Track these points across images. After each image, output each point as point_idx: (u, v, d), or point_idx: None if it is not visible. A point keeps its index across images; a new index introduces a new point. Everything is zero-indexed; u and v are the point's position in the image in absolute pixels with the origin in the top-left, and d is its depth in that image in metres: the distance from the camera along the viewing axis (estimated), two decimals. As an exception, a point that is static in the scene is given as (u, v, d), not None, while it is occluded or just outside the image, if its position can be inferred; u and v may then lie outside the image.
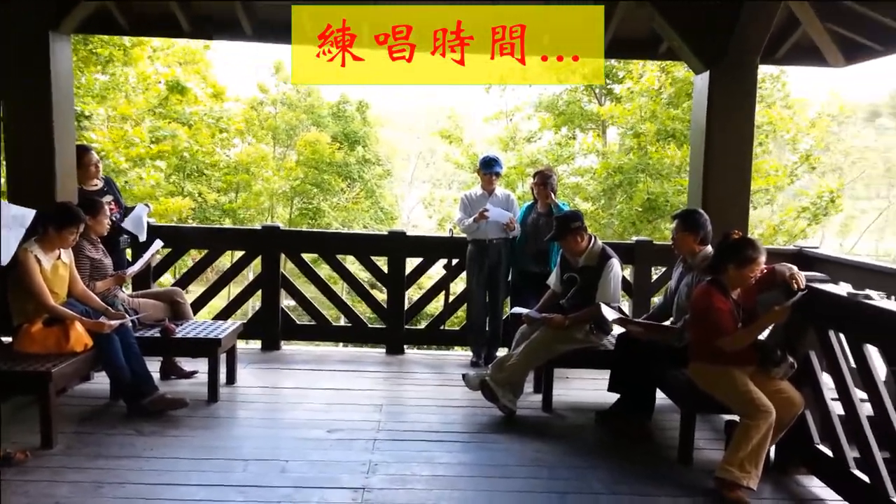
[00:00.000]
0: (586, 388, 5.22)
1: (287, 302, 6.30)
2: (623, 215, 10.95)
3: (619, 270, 4.56)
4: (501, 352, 5.88)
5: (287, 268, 6.26)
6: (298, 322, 6.28)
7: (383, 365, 5.73)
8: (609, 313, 4.33)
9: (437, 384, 5.27)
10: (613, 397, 4.57)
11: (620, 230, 10.88)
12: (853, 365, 3.39)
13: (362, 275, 8.65)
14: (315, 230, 16.06)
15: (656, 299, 7.38)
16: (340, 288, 13.04)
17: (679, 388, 4.02)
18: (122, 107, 13.07)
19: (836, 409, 3.48)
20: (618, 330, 4.54)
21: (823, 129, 12.27)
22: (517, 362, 4.49)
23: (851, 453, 3.36)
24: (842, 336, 3.50)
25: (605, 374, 4.69)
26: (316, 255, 6.97)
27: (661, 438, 4.33)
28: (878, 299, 3.17)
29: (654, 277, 6.06)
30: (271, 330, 5.96)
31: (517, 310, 4.83)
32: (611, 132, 13.83)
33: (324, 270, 7.39)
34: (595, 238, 4.66)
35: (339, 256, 6.20)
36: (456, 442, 4.13)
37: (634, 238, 5.99)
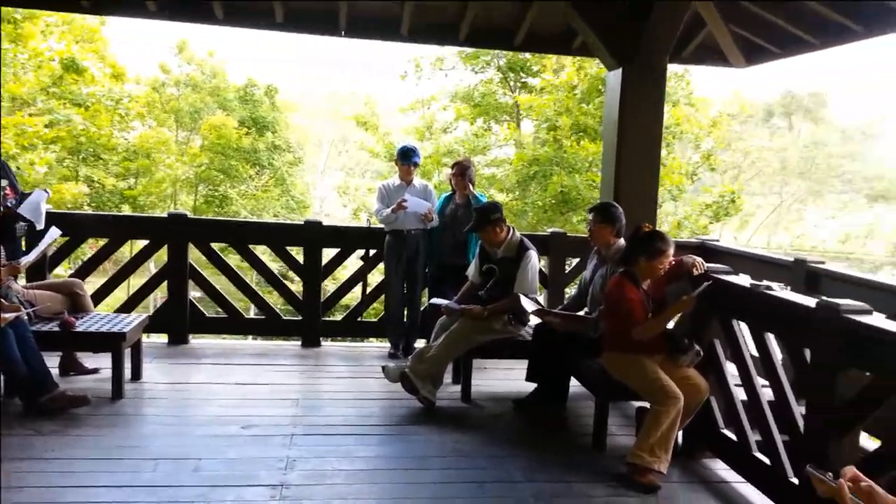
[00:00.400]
0: (504, 377, 5.29)
1: (195, 293, 6.03)
2: (537, 206, 11.18)
3: (536, 262, 4.64)
4: (420, 343, 5.89)
5: (194, 257, 6.00)
6: (208, 314, 6.05)
7: (299, 358, 5.61)
8: (527, 304, 4.40)
9: (354, 377, 5.20)
10: (530, 386, 4.66)
11: (534, 221, 11.11)
12: (754, 353, 3.60)
13: (276, 265, 8.41)
14: (226, 219, 15.50)
15: (570, 290, 7.60)
16: (253, 279, 12.69)
17: (593, 377, 4.13)
18: (11, 86, 12.13)
19: (739, 394, 3.68)
20: (535, 320, 4.62)
21: (724, 128, 12.98)
22: (437, 354, 4.49)
23: (753, 437, 3.57)
24: (743, 325, 3.71)
25: (522, 364, 4.77)
26: (226, 245, 6.72)
27: (576, 426, 4.45)
28: (778, 290, 3.36)
29: (568, 269, 6.20)
30: (179, 323, 5.71)
31: (436, 301, 4.84)
32: (525, 125, 14.07)
33: (234, 260, 7.12)
34: (513, 229, 4.71)
35: (251, 246, 5.99)
36: (375, 435, 4.09)
37: (549, 230, 6.12)
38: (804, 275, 4.93)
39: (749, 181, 22.19)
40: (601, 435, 4.08)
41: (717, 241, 6.24)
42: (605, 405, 4.09)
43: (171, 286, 5.75)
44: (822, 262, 5.02)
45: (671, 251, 3.75)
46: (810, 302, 3.03)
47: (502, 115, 13.94)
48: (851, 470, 2.07)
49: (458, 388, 4.90)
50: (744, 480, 3.64)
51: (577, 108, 11.38)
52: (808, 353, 3.20)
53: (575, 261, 6.17)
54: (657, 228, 4.00)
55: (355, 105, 21.97)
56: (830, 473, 2.10)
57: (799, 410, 3.24)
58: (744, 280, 3.67)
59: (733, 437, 3.73)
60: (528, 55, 12.99)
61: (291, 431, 4.04)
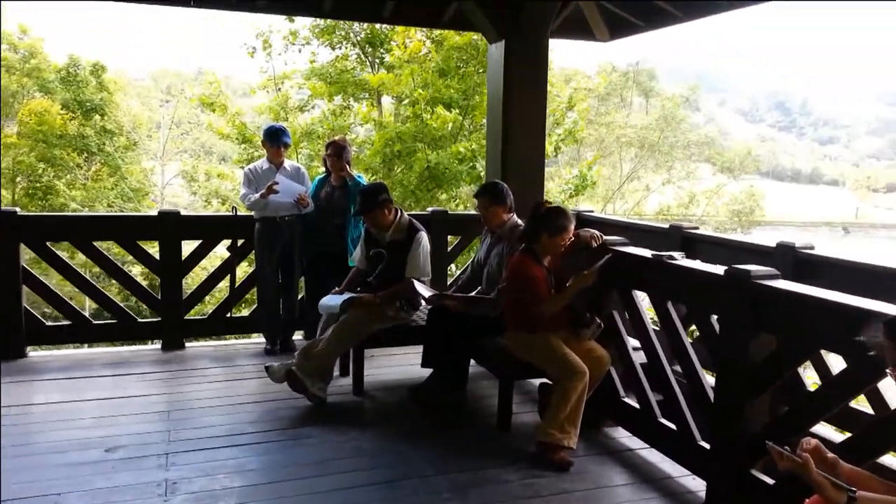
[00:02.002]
0: (395, 364, 5.04)
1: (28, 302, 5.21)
2: (404, 185, 10.92)
3: (427, 243, 4.41)
4: (298, 336, 5.50)
5: (27, 259, 5.19)
6: (48, 323, 5.26)
7: (161, 364, 5.00)
8: (422, 289, 4.17)
9: (229, 379, 4.72)
10: (424, 373, 4.44)
11: (401, 201, 10.85)
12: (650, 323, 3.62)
13: (130, 266, 7.55)
14: (65, 214, 13.82)
15: (453, 269, 7.47)
16: (99, 280, 11.45)
17: (496, 357, 4.00)
18: None
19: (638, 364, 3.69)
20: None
21: (584, 101, 13.35)
22: (326, 347, 4.15)
23: (656, 404, 3.59)
24: (641, 294, 3.71)
25: (412, 350, 4.55)
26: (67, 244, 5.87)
27: (478, 408, 4.31)
28: (680, 259, 3.37)
29: (450, 247, 6.05)
30: (13, 336, 4.90)
31: (325, 303, 4.40)
32: (385, 101, 13.69)
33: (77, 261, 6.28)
34: (401, 211, 4.44)
35: (97, 244, 5.26)
36: (264, 443, 3.70)
37: (429, 209, 5.91)
38: (680, 240, 5.09)
39: (608, 154, 23.37)
40: (506, 415, 3.96)
41: (592, 211, 6.34)
42: (509, 385, 3.97)
43: (-1, 295, 4.92)
44: (696, 228, 5.22)
45: (572, 227, 3.67)
46: (717, 269, 3.04)
47: (361, 93, 13.49)
48: (811, 442, 2.04)
49: (348, 380, 4.59)
50: (648, 447, 3.67)
51: (435, 82, 11.20)
52: (714, 319, 3.25)
53: (457, 239, 6.02)
54: (558, 205, 3.90)
55: (197, 85, 20.42)
56: (788, 447, 2.07)
57: (705, 376, 3.29)
58: (644, 251, 3.66)
59: (635, 404, 3.74)
60: (386, 29, 12.62)
61: (166, 450, 3.56)
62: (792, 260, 4.16)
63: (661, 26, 5.70)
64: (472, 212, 10.06)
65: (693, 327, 4.34)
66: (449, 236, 5.90)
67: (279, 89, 13.93)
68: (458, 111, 11.08)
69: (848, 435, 2.86)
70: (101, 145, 20.01)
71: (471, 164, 10.83)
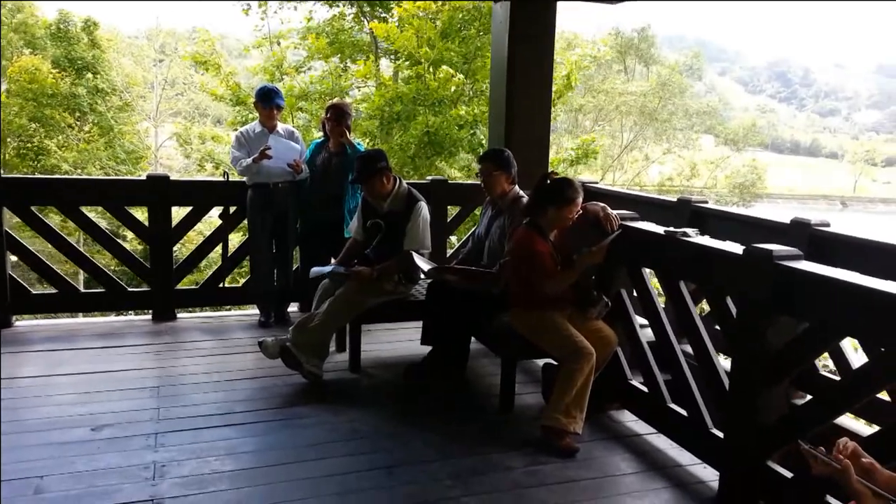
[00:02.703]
0: (393, 340, 4.88)
1: (13, 267, 5.02)
2: (403, 150, 10.63)
3: (427, 214, 4.21)
4: (293, 308, 5.33)
5: (12, 224, 4.98)
6: (34, 291, 5.08)
7: (151, 336, 4.84)
8: (421, 262, 3.98)
9: (222, 353, 4.56)
10: (423, 349, 4.29)
11: (399, 168, 10.58)
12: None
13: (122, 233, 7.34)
14: (49, 177, 13.48)
15: (453, 238, 7.28)
16: (88, 248, 11.23)
17: (498, 336, 3.84)
18: None
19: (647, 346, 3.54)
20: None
21: (589, 69, 12.90)
22: (321, 322, 3.98)
23: (665, 389, 3.44)
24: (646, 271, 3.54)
25: (410, 325, 4.40)
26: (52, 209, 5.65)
27: (480, 388, 4.17)
28: (694, 236, 3.19)
29: (449, 218, 5.86)
30: (-4, 304, 4.73)
31: (316, 270, 4.25)
32: (384, 65, 13.26)
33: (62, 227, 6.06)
34: (400, 179, 4.24)
35: (84, 209, 5.05)
36: (257, 423, 3.55)
37: (428, 177, 5.70)
38: (689, 214, 4.90)
39: (603, 122, 23.03)
40: (509, 397, 3.82)
41: (597, 182, 6.13)
42: (512, 365, 3.82)
43: (-19, 260, 4.72)
44: (706, 202, 5.02)
45: (580, 199, 3.48)
46: (736, 248, 2.86)
47: (358, 54, 13.07)
48: (849, 445, 1.88)
49: (344, 356, 4.45)
50: (656, 432, 3.53)
51: (439, 43, 10.82)
52: (730, 301, 3.08)
53: (457, 209, 5.83)
54: (566, 176, 3.70)
55: (190, 42, 19.88)
56: (822, 448, 1.92)
57: (719, 360, 3.14)
58: (655, 227, 3.47)
59: (643, 388, 3.60)
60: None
61: (154, 429, 3.41)
62: (807, 237, 3.98)
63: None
64: (473, 181, 9.88)
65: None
66: (448, 206, 5.71)
67: (279, 44, 13.43)
68: (461, 76, 10.71)
69: (876, 428, 2.72)
70: (94, 105, 19.58)
71: (471, 130, 10.53)
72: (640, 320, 3.69)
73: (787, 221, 4.22)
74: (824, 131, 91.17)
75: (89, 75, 19.60)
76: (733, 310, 3.03)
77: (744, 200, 25.11)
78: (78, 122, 20.20)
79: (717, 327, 3.75)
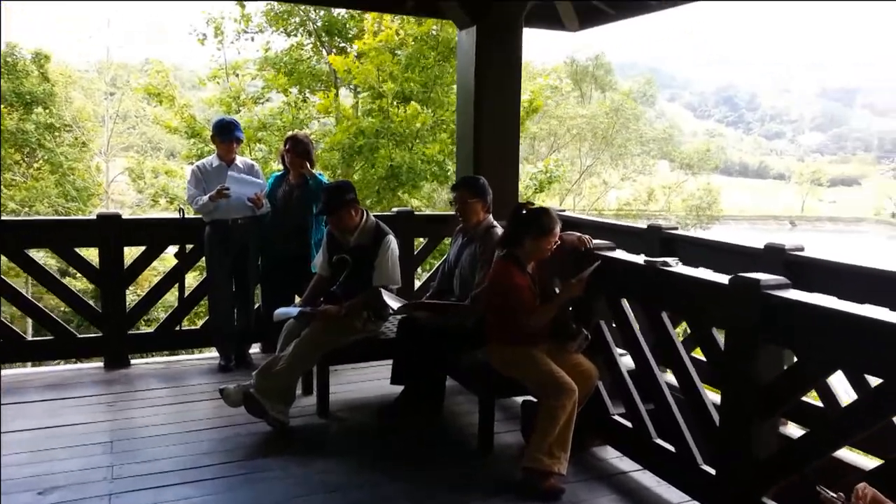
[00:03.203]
0: (360, 380, 4.67)
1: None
2: (365, 184, 10.44)
3: (396, 247, 4.04)
4: (255, 349, 5.08)
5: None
6: (-27, 341, 4.73)
7: (104, 385, 4.53)
8: (390, 299, 3.79)
9: (180, 401, 4.28)
10: (393, 389, 4.10)
11: (360, 199, 10.39)
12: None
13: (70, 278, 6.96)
14: None
15: (420, 274, 7.11)
16: (30, 290, 10.72)
17: (474, 373, 3.67)
18: None
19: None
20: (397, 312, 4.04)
21: (551, 99, 12.95)
22: (287, 365, 3.76)
23: (650, 423, 3.31)
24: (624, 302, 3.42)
25: (381, 364, 4.20)
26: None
27: (456, 428, 3.98)
28: (675, 265, 3.09)
29: (417, 250, 5.70)
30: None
31: (281, 312, 4.03)
32: (343, 95, 13.11)
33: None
34: (367, 212, 4.08)
35: (29, 252, 4.74)
36: (220, 478, 3.29)
37: (395, 209, 5.54)
38: (659, 242, 4.84)
39: (556, 149, 23.21)
40: (488, 437, 3.64)
41: (564, 211, 6.06)
42: (490, 404, 3.65)
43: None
44: (676, 228, 4.98)
45: (558, 229, 3.36)
46: (722, 278, 2.76)
47: (317, 84, 12.89)
48: (869, 492, 1.77)
49: (311, 400, 4.22)
50: (642, 469, 3.39)
51: (401, 75, 10.72)
52: (714, 332, 2.98)
53: (423, 241, 5.68)
54: (542, 206, 3.58)
55: (142, 75, 19.45)
56: (842, 494, 1.79)
57: (707, 394, 3.02)
58: (634, 257, 3.37)
59: (627, 423, 3.46)
60: (345, 15, 12.02)
61: (108, 489, 3.14)
62: (782, 262, 3.94)
63: (631, 15, 5.43)
64: (439, 211, 9.74)
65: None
66: (416, 239, 5.55)
67: (236, 75, 13.19)
68: (421, 106, 10.62)
69: (879, 462, 2.62)
70: (43, 141, 18.98)
71: (435, 165, 10.40)
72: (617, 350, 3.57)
73: (761, 247, 4.19)
74: (771, 154, 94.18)
75: (39, 110, 19.01)
76: (719, 340, 2.92)
77: (701, 223, 25.56)
78: (27, 159, 19.56)
79: (692, 356, 3.65)
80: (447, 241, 6.34)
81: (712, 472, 2.88)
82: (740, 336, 2.67)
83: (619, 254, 3.45)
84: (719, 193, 27.99)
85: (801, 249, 4.03)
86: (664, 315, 3.15)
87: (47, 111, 19.25)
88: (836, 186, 71.83)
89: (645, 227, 5.08)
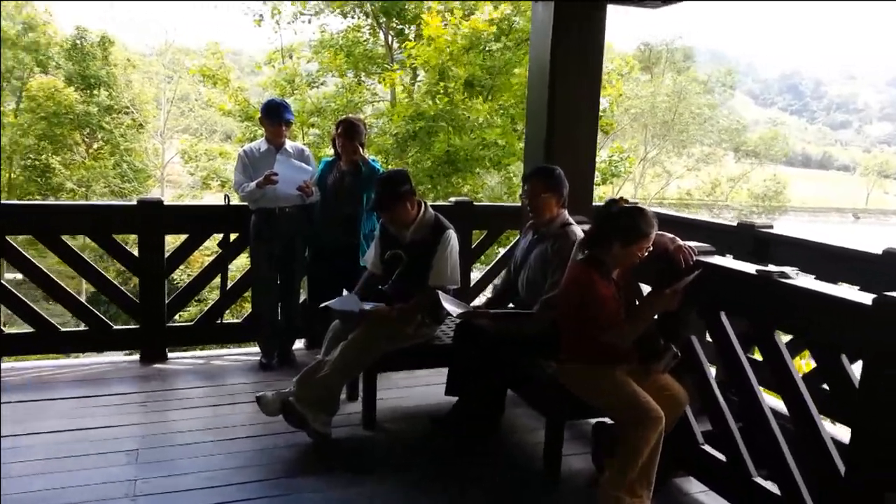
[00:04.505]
0: (412, 384, 4.26)
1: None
2: (420, 170, 10.02)
3: (456, 244, 3.60)
4: (299, 345, 4.74)
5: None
6: (7, 330, 4.51)
7: (138, 381, 4.24)
8: (448, 304, 3.36)
9: (215, 403, 3.95)
10: (449, 398, 3.67)
11: (414, 185, 10.00)
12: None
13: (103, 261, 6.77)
14: (27, 202, 12.97)
15: (475, 270, 6.68)
16: (74, 282, 10.70)
17: (542, 391, 3.22)
18: None
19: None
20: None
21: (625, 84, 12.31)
22: (330, 373, 3.38)
23: (749, 458, 2.81)
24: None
25: (434, 372, 3.79)
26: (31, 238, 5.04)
27: (517, 447, 3.54)
28: (794, 276, 2.57)
29: (474, 244, 5.27)
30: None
31: (333, 304, 3.62)
32: (402, 78, 12.69)
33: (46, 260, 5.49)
34: (426, 205, 3.65)
35: (65, 238, 4.48)
36: (251, 499, 2.93)
37: (453, 199, 5.10)
38: (752, 241, 4.30)
39: (617, 135, 22.36)
40: (555, 462, 3.19)
41: (636, 203, 5.51)
42: (559, 427, 3.19)
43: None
44: (771, 227, 4.42)
45: (654, 233, 2.86)
46: (864, 298, 2.23)
47: (373, 67, 12.51)
48: None
49: (356, 407, 3.83)
50: (736, 509, 2.89)
51: (463, 58, 10.20)
52: (844, 360, 2.45)
53: (483, 234, 5.25)
54: (636, 204, 3.09)
55: (198, 58, 19.47)
56: None
57: (829, 435, 2.50)
58: (741, 264, 2.86)
59: (720, 455, 2.96)
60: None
61: (130, 507, 2.81)
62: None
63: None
64: (496, 203, 9.26)
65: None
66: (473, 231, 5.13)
67: (291, 57, 12.88)
68: (481, 97, 10.07)
69: None
70: (103, 123, 19.25)
71: (495, 149, 9.89)
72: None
73: (879, 252, 3.62)
74: (836, 144, 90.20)
75: (101, 92, 19.30)
76: (849, 370, 2.40)
77: (767, 214, 24.39)
78: (87, 140, 19.89)
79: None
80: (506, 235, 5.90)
81: (835, 529, 2.38)
82: (885, 368, 2.15)
83: (719, 260, 2.93)
84: (787, 185, 26.64)
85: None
86: (776, 335, 2.64)
87: (108, 93, 19.52)
88: (905, 178, 68.17)
89: (735, 225, 4.55)
